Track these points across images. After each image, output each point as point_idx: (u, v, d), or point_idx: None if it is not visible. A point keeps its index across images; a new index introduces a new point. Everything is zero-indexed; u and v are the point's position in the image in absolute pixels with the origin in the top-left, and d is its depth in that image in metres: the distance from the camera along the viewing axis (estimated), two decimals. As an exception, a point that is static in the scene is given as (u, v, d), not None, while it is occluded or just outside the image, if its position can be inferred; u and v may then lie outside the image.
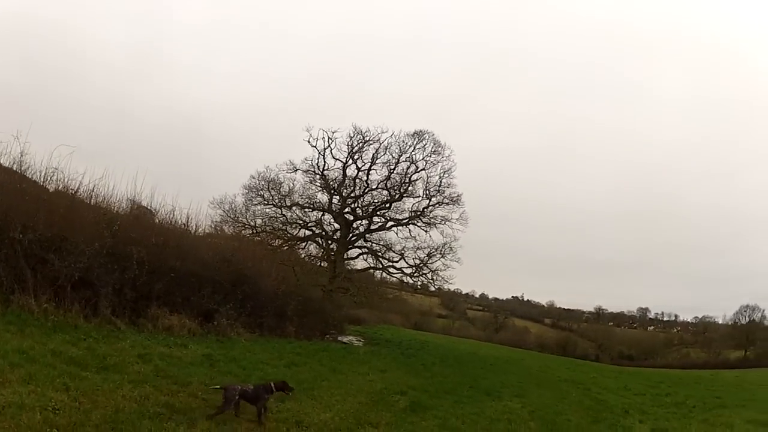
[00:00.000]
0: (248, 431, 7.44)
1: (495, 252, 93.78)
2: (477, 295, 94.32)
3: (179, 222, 19.00)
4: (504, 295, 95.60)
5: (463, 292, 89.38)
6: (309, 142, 35.17)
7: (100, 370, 8.75)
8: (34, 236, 12.36)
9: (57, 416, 6.28)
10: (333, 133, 35.17)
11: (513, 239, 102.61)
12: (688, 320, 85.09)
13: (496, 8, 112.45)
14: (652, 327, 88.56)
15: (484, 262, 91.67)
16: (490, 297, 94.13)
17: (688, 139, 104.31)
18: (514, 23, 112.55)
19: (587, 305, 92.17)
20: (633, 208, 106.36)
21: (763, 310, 67.53)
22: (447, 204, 35.30)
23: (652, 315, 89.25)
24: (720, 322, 76.18)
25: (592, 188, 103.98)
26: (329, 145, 35.36)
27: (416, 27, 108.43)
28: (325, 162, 35.51)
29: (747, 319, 69.10)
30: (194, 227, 20.13)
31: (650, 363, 61.73)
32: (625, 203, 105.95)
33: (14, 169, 14.42)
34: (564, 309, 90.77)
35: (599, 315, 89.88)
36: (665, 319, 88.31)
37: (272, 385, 8.09)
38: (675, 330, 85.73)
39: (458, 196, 35.30)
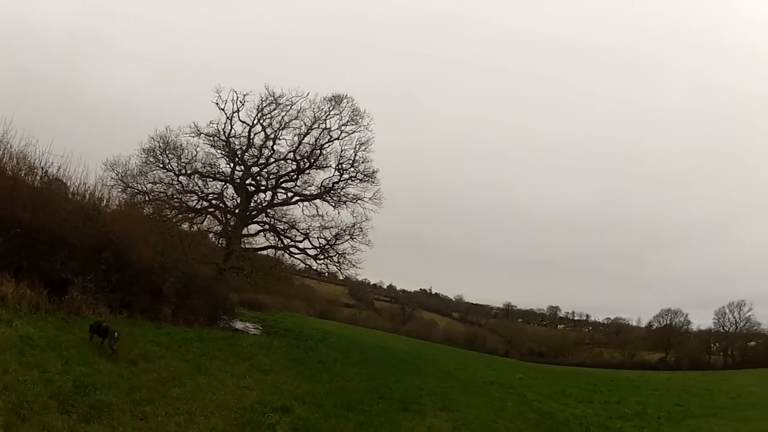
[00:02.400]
0: None
1: (404, 245, 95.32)
2: (385, 286, 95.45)
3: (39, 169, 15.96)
4: (412, 287, 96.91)
5: (371, 283, 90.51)
6: (217, 104, 32.83)
7: None
8: None
9: None
10: (245, 95, 33.03)
11: (423, 234, 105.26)
12: (600, 320, 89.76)
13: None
14: (563, 325, 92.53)
15: (393, 254, 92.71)
16: (398, 288, 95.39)
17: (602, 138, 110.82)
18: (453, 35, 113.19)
19: (496, 301, 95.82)
20: (542, 212, 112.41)
21: (686, 315, 73.65)
22: (360, 180, 33.72)
23: (562, 314, 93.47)
24: (634, 324, 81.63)
25: (508, 189, 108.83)
26: (238, 109, 33.12)
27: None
28: (232, 127, 33.26)
29: (668, 321, 74.52)
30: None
31: (563, 361, 64.73)
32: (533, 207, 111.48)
33: None
34: (472, 303, 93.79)
35: (508, 311, 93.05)
36: (576, 318, 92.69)
37: None
38: (587, 329, 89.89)
39: (374, 172, 33.78)
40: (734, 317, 69.39)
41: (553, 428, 12.98)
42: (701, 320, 75.91)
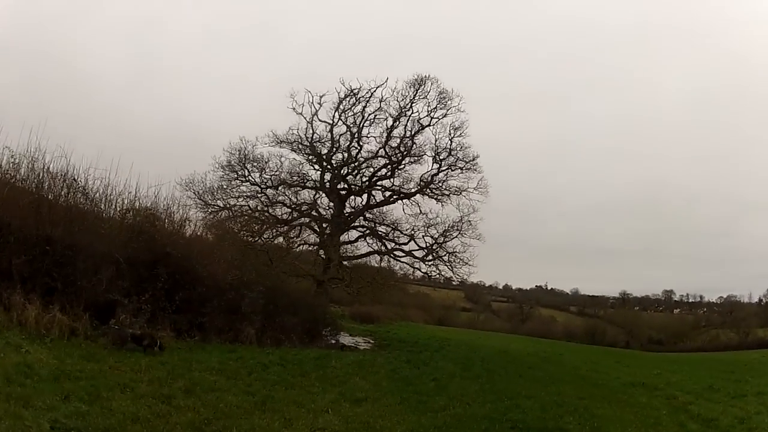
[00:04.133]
0: None
1: (510, 243, 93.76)
2: (500, 287, 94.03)
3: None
4: (527, 285, 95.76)
5: (486, 284, 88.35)
6: (294, 109, 31.49)
7: None
8: None
9: None
10: (321, 97, 31.44)
11: (524, 231, 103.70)
12: (713, 301, 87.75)
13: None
14: (678, 309, 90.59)
15: (502, 252, 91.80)
16: (514, 287, 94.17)
17: (681, 125, 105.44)
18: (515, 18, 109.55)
19: (611, 291, 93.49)
20: (633, 196, 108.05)
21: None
22: (462, 170, 31.03)
23: (677, 297, 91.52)
24: (746, 301, 78.12)
25: (590, 179, 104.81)
26: (317, 112, 31.66)
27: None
28: (314, 131, 31.80)
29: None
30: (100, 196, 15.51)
31: (681, 347, 60.72)
32: (623, 192, 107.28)
33: None
34: (589, 296, 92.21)
35: (625, 300, 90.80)
36: (690, 300, 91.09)
37: None
38: (701, 311, 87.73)
39: (474, 158, 31.00)
40: None
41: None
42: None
